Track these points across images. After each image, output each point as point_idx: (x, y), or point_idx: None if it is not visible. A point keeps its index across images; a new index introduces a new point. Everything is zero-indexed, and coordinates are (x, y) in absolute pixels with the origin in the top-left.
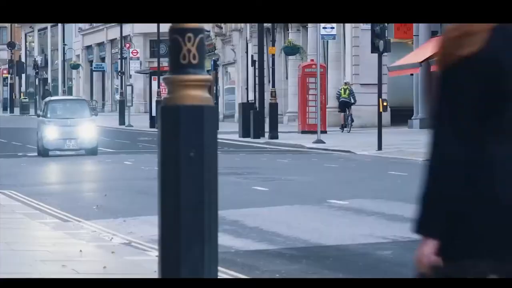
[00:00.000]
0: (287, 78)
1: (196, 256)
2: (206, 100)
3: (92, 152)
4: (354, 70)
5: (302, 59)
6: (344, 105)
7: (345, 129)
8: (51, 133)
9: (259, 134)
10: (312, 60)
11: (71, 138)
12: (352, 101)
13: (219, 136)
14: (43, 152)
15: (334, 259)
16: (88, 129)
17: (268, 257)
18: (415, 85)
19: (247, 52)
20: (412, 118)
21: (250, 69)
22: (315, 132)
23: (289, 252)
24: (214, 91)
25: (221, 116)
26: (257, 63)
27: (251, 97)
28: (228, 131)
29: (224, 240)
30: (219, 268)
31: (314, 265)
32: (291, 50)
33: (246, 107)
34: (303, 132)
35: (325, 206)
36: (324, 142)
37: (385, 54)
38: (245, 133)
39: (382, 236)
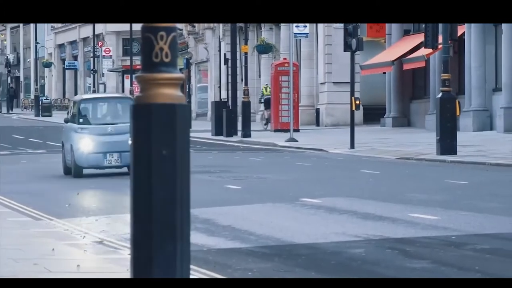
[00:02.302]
0: (260, 76)
1: (168, 255)
2: (178, 99)
3: None
4: (327, 69)
5: (275, 58)
6: (268, 102)
7: (269, 124)
8: (85, 145)
9: (232, 132)
10: (285, 58)
11: (113, 151)
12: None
13: (191, 134)
14: (75, 171)
15: (306, 258)
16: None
17: (241, 255)
18: (387, 83)
19: (220, 51)
20: (385, 116)
21: (223, 67)
22: (287, 131)
23: (261, 250)
24: (187, 90)
25: (193, 115)
26: (230, 61)
27: (224, 95)
28: (201, 129)
29: (197, 238)
30: (191, 266)
31: (286, 263)
32: (264, 48)
33: (218, 105)
34: (276, 130)
35: (297, 205)
36: (297, 141)
37: (358, 52)
38: (217, 131)
39: (354, 235)
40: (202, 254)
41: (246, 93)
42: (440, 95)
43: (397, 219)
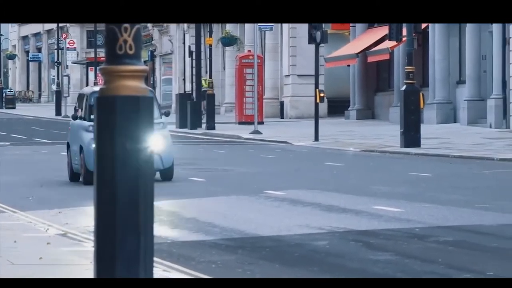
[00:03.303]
0: (224, 69)
1: (131, 247)
2: (142, 91)
3: (166, 174)
4: (291, 61)
5: (239, 50)
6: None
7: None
8: None
9: (196, 125)
10: (249, 51)
11: None
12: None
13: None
14: (86, 177)
15: (270, 250)
16: (159, 140)
17: (204, 247)
18: (352, 76)
19: (184, 43)
20: (349, 109)
21: (188, 59)
22: (252, 123)
23: (225, 242)
24: (151, 82)
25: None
26: (194, 53)
27: (188, 88)
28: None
29: (161, 231)
30: (155, 259)
31: (250, 256)
32: (229, 41)
33: (183, 98)
34: (240, 123)
35: (261, 197)
36: (261, 133)
37: (322, 45)
38: (182, 124)
39: (318, 227)
40: (166, 246)
41: (210, 85)
42: (404, 87)
43: (361, 212)
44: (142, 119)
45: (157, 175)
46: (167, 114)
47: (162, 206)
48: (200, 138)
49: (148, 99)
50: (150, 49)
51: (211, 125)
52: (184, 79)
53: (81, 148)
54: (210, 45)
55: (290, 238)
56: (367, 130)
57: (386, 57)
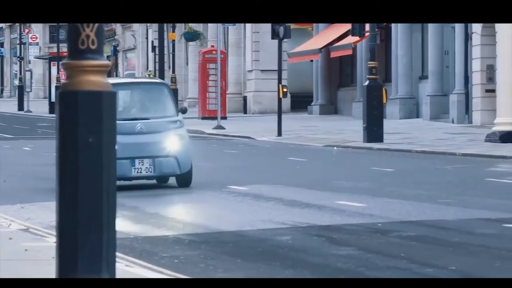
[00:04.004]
0: (187, 64)
1: (94, 242)
2: (105, 86)
3: (184, 180)
4: (255, 56)
5: (202, 45)
6: None
7: None
8: None
9: None
10: (212, 46)
11: (144, 156)
12: None
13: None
14: None
15: (233, 245)
16: (175, 140)
17: (167, 243)
18: (315, 71)
19: (147, 38)
20: (312, 104)
21: (150, 54)
22: (215, 118)
23: (188, 238)
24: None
25: None
26: (157, 49)
27: None
28: None
29: (123, 226)
30: (117, 254)
31: (213, 251)
32: (192, 36)
33: None
34: (203, 118)
35: (224, 192)
36: (224, 128)
37: (285, 40)
38: None
39: (281, 222)
40: (129, 241)
41: (173, 80)
42: (367, 82)
43: (324, 206)
44: (105, 114)
45: (171, 180)
46: (183, 110)
47: (125, 201)
48: None
49: (111, 94)
50: (113, 44)
51: None
52: (149, 75)
53: None
54: (173, 40)
55: (253, 233)
56: (330, 125)
57: (349, 52)
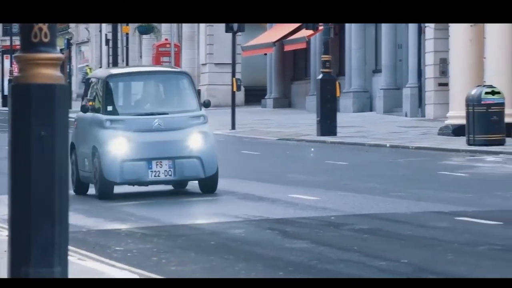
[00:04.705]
0: (141, 57)
1: (46, 235)
2: (58, 79)
3: (208, 185)
4: (208, 50)
5: (156, 38)
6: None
7: None
8: (118, 147)
9: None
10: (166, 39)
11: (163, 157)
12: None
13: (72, 115)
14: (102, 188)
15: (186, 238)
16: (198, 138)
17: (120, 236)
18: (268, 64)
19: (101, 31)
20: (266, 97)
21: (104, 48)
22: None
23: (141, 231)
24: (68, 70)
25: (74, 95)
26: (111, 42)
27: None
28: None
29: (76, 219)
30: (70, 247)
31: (165, 244)
32: (145, 29)
33: None
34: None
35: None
36: None
37: (239, 33)
38: None
39: (234, 215)
40: (82, 235)
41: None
42: (320, 76)
43: (277, 200)
44: (57, 107)
45: (189, 185)
46: (207, 104)
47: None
48: None
49: (64, 87)
50: (66, 37)
51: None
52: (100, 68)
53: (94, 150)
54: (127, 34)
55: (206, 226)
56: (283, 118)
57: (303, 46)
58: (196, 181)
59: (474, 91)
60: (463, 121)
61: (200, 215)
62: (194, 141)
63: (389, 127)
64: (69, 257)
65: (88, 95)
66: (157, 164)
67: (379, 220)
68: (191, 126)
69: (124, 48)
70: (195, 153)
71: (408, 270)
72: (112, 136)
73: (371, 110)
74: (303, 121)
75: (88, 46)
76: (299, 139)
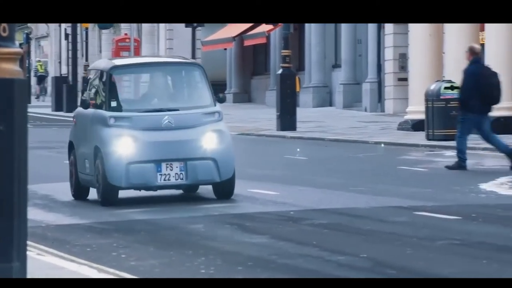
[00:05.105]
0: (101, 52)
1: (5, 230)
2: (16, 73)
3: (224, 190)
4: (168, 44)
5: (115, 33)
6: (40, 79)
7: (40, 97)
8: (124, 148)
9: (72, 108)
10: (125, 34)
11: (173, 159)
12: (46, 74)
13: (31, 110)
14: (105, 193)
15: (146, 233)
16: (213, 137)
17: (79, 231)
18: (228, 59)
19: (60, 26)
20: (226, 92)
21: (64, 42)
22: None
23: (100, 226)
24: (27, 65)
25: (33, 90)
26: (70, 36)
27: (64, 71)
28: (41, 104)
29: (35, 214)
30: (28, 242)
31: (124, 239)
32: (105, 23)
33: (59, 81)
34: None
35: None
36: None
37: (199, 28)
38: (58, 107)
39: (194, 210)
40: (41, 230)
41: (86, 68)
42: (280, 71)
43: (237, 195)
44: (16, 102)
45: (200, 189)
46: (222, 99)
47: (37, 189)
48: None
49: (23, 81)
50: (26, 31)
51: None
52: (60, 62)
53: (96, 150)
54: (87, 28)
55: (165, 221)
56: (243, 113)
57: (263, 40)
58: (210, 185)
59: (433, 86)
60: (422, 116)
61: (159, 210)
62: (209, 141)
63: (348, 122)
64: (28, 252)
65: (88, 88)
66: (167, 167)
67: (338, 215)
68: (205, 124)
69: (84, 43)
70: (209, 154)
71: (367, 265)
72: (116, 135)
73: (330, 105)
74: (263, 116)
75: (47, 40)
76: (259, 134)
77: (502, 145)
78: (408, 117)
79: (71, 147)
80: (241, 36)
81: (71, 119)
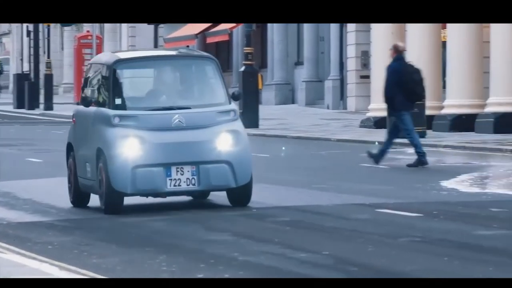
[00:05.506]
0: (63, 49)
1: None
2: None
3: (240, 197)
4: (131, 42)
5: (78, 30)
6: None
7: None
8: (130, 150)
9: (34, 105)
10: (88, 31)
11: (184, 162)
12: (1, 71)
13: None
14: (109, 200)
15: (107, 231)
16: (228, 138)
17: (41, 228)
18: None
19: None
20: None
21: (26, 39)
22: None
23: (62, 223)
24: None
25: None
26: (32, 33)
27: (26, 68)
28: (2, 102)
29: None
30: None
31: (86, 237)
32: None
33: (20, 78)
34: (78, 103)
35: None
36: None
37: (162, 26)
38: (19, 104)
39: (156, 208)
40: (2, 227)
41: (48, 65)
42: (242, 68)
43: None
44: None
45: (211, 195)
46: (236, 96)
47: None
48: (38, 118)
49: None
50: None
51: (49, 106)
52: (21, 59)
53: (99, 153)
54: (49, 26)
55: (128, 219)
56: None
57: (225, 38)
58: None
59: None
60: (384, 114)
61: (123, 208)
62: (223, 142)
63: (311, 119)
64: None
65: (90, 84)
66: (177, 171)
67: (301, 212)
68: (219, 124)
69: (46, 40)
70: (224, 157)
71: (329, 262)
72: (121, 136)
73: (293, 103)
74: None
75: (9, 37)
76: None
77: (418, 144)
78: (370, 114)
79: (69, 149)
80: (203, 33)
81: (33, 116)
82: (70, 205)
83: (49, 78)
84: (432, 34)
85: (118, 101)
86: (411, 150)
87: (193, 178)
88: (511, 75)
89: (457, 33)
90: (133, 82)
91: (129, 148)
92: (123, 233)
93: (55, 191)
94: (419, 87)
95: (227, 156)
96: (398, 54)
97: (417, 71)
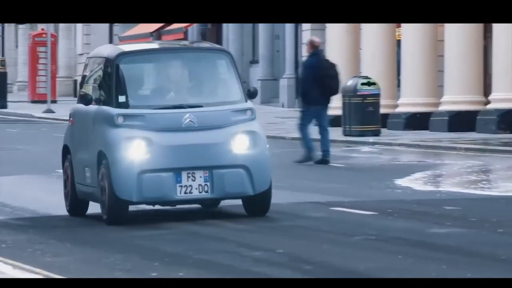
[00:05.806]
0: (17, 47)
1: None
2: None
3: (258, 205)
4: (86, 40)
5: (32, 28)
6: None
7: None
8: (136, 153)
9: None
10: (42, 29)
11: (196, 167)
12: None
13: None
14: (113, 209)
15: (62, 229)
16: (245, 140)
17: None
18: None
19: None
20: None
21: None
22: (45, 102)
23: (16, 222)
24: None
25: None
26: None
27: None
28: None
29: None
30: None
31: (41, 235)
32: None
33: None
34: (33, 101)
35: (53, 176)
36: (54, 112)
37: (116, 24)
38: None
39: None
40: None
41: (2, 63)
42: None
43: None
44: None
45: (221, 203)
46: (253, 94)
47: None
48: None
49: None
50: None
51: (3, 104)
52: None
53: (101, 156)
54: (3, 24)
55: (82, 218)
56: None
57: (181, 36)
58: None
59: (350, 82)
60: (339, 112)
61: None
62: (239, 144)
63: (266, 117)
64: None
65: (89, 81)
66: (188, 176)
67: None
68: (235, 124)
69: (0, 38)
70: (240, 161)
71: (284, 260)
72: (126, 138)
73: None
74: None
75: None
76: None
77: (326, 144)
78: None
79: (65, 152)
80: (158, 31)
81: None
82: (24, 203)
83: (3, 76)
84: (387, 32)
85: (121, 98)
86: (366, 148)
87: (205, 184)
88: (464, 73)
89: (412, 32)
90: (138, 78)
91: (135, 151)
92: (77, 232)
93: (10, 190)
94: (334, 81)
95: (243, 160)
96: (314, 49)
97: (332, 66)
